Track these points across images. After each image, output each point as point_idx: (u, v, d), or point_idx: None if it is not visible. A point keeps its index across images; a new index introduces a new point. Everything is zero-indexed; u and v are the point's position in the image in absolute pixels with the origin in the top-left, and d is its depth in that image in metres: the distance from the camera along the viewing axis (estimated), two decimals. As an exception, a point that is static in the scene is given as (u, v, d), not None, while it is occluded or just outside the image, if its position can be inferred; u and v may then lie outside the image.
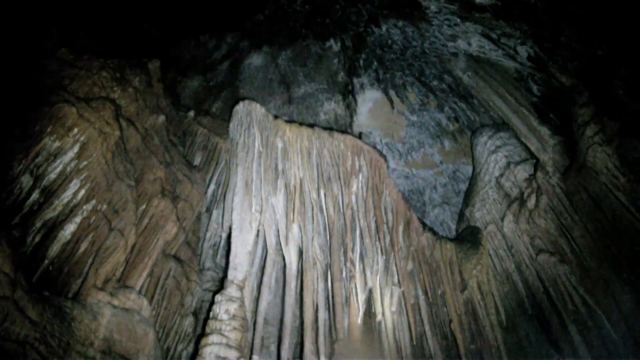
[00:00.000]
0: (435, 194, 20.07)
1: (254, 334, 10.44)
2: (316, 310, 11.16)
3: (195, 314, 11.92)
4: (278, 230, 11.79)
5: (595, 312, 12.79)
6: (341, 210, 12.77)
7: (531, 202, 14.09)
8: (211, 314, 9.66)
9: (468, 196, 16.90)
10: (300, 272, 11.60)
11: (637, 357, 11.77)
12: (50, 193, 9.69)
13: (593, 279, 12.71)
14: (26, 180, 9.61)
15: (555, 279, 13.57)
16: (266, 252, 11.70)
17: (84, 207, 10.16)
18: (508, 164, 15.45)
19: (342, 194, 12.90)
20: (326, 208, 12.66)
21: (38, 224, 9.26)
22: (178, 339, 11.44)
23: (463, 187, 18.92)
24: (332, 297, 11.32)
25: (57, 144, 10.22)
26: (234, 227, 11.15)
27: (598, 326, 12.75)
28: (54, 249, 9.22)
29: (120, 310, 8.67)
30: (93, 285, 9.14)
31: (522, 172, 14.89)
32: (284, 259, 11.80)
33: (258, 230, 11.50)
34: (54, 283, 8.82)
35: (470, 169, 18.22)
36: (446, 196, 19.87)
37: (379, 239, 13.06)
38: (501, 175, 15.47)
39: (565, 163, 13.82)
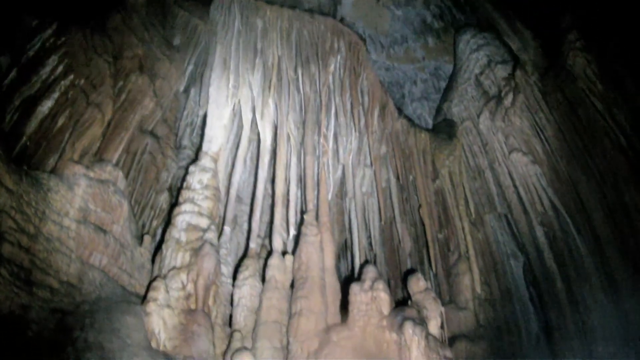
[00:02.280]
0: (415, 89, 19.95)
1: (226, 207, 10.65)
2: (288, 186, 11.40)
3: (170, 190, 12.03)
4: (254, 107, 11.81)
5: (561, 215, 13.16)
6: (317, 89, 12.82)
7: (508, 100, 14.15)
8: (184, 184, 9.76)
9: (447, 92, 16.90)
10: (274, 148, 11.72)
11: (598, 261, 12.25)
12: (29, 70, 9.62)
13: (562, 181, 12.99)
14: (5, 60, 9.51)
15: (526, 178, 13.86)
16: (242, 129, 11.76)
17: (62, 82, 10.12)
18: (489, 63, 15.40)
19: (319, 73, 12.92)
20: (302, 86, 12.71)
21: (17, 102, 9.25)
22: (153, 215, 11.59)
23: (443, 84, 18.78)
24: (304, 171, 11.53)
25: (36, 21, 10.06)
26: (210, 101, 11.14)
27: (563, 229, 13.14)
28: (32, 125, 9.24)
29: (96, 182, 8.73)
30: (70, 159, 9.18)
31: (502, 71, 14.87)
32: (258, 137, 11.92)
33: (234, 106, 11.52)
34: (32, 159, 8.90)
35: (452, 67, 18.11)
36: (426, 91, 19.75)
37: (354, 119, 13.20)
38: (481, 73, 15.45)
39: (545, 66, 13.85)
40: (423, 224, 13.74)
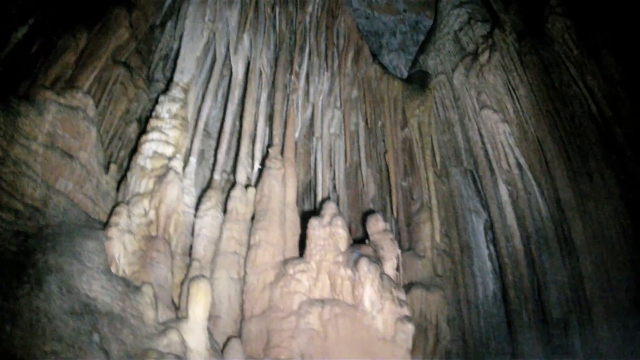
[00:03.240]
0: (394, 40, 19.79)
1: (193, 138, 10.69)
2: (256, 121, 11.49)
3: (139, 121, 12.00)
4: (228, 41, 11.80)
5: (526, 175, 13.41)
6: (293, 28, 12.92)
7: (484, 57, 14.22)
8: (153, 114, 9.75)
9: (424, 45, 16.88)
10: (245, 84, 11.75)
11: (558, 223, 12.52)
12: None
13: (529, 141, 13.19)
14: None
15: (494, 136, 14.07)
16: (214, 63, 11.75)
17: (38, 11, 10.04)
18: (469, 20, 15.41)
19: (296, 12, 12.97)
20: (279, 24, 12.80)
21: (-8, 29, 9.19)
22: (121, 145, 11.56)
23: (422, 38, 18.70)
24: (273, 106, 11.67)
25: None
26: (185, 33, 11.08)
27: (527, 190, 13.39)
28: (5, 51, 9.18)
29: (66, 108, 8.70)
30: (41, 85, 9.18)
31: (481, 29, 14.91)
32: (231, 73, 11.94)
33: (208, 39, 11.49)
34: (4, 84, 8.86)
35: (432, 23, 18.05)
36: (404, 44, 19.60)
37: (327, 60, 13.28)
38: (460, 29, 15.46)
39: (524, 27, 13.91)
40: (388, 171, 13.83)
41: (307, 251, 8.77)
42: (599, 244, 11.40)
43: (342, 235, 8.75)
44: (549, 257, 12.76)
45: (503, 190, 13.85)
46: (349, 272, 8.19)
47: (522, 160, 13.44)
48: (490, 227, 14.40)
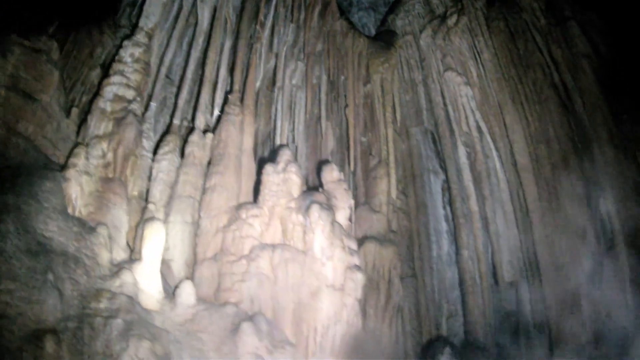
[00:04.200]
0: (365, -1, 19.69)
1: (155, 83, 10.69)
2: (218, 68, 11.57)
3: (103, 66, 11.91)
4: (196, -11, 11.72)
5: (485, 138, 13.63)
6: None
7: (452, 20, 14.33)
8: (116, 58, 9.71)
9: (394, 5, 16.58)
10: (210, 31, 11.76)
11: (514, 187, 12.80)
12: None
13: (490, 105, 13.39)
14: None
15: (456, 98, 14.29)
16: (180, 10, 11.65)
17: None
18: (441, -17, 15.42)
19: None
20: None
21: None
22: (84, 90, 11.46)
23: (394, -1, 18.63)
24: (235, 53, 11.72)
25: None
26: (151, -21, 11.01)
27: (485, 153, 13.61)
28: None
29: (30, 50, 8.78)
30: (6, 27, 9.17)
31: (452, -6, 14.94)
32: (196, 20, 11.88)
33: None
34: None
35: (406, -14, 17.90)
36: (375, 3, 19.26)
37: (293, 12, 13.37)
38: (432, -8, 15.43)
39: (494, -6, 14.04)
40: (348, 126, 13.76)
41: (261, 196, 8.95)
42: (553, 210, 11.68)
43: (295, 182, 8.91)
44: (503, 221, 13.04)
45: (462, 152, 14.04)
46: (301, 218, 8.38)
47: (482, 124, 13.67)
48: (447, 187, 14.56)
